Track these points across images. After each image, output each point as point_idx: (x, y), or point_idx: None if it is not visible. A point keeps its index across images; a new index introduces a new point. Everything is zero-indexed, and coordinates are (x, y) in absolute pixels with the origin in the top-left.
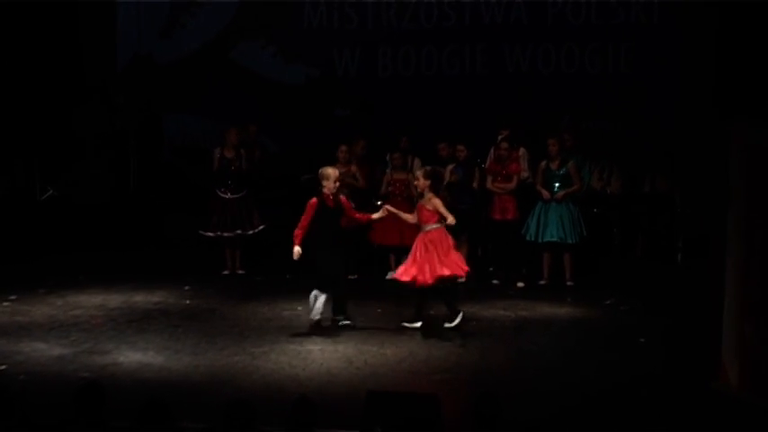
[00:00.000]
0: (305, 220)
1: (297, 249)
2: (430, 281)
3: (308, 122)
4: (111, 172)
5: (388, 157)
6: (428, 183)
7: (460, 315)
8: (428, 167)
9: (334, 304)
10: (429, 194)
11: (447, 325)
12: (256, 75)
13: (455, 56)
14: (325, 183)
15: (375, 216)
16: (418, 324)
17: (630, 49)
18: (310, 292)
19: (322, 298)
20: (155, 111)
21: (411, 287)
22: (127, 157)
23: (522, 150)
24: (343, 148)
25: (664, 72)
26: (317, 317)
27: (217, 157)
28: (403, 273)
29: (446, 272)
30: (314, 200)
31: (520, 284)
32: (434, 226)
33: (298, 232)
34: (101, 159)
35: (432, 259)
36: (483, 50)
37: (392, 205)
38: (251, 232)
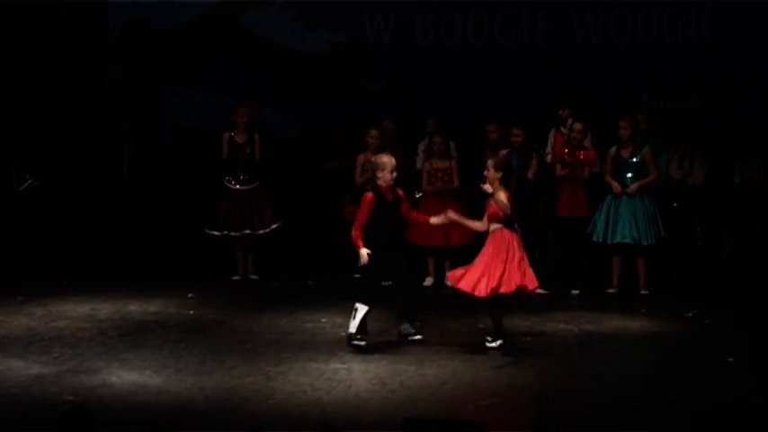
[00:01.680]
0: (362, 217)
1: (364, 252)
2: (510, 290)
3: (333, 99)
4: (101, 158)
5: (422, 146)
6: (499, 175)
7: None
8: (500, 156)
9: (402, 311)
10: (499, 189)
11: (488, 344)
12: (272, 43)
13: (510, 23)
14: (380, 174)
15: (435, 220)
16: (500, 341)
17: (716, 11)
18: (353, 305)
19: (362, 311)
20: (153, 86)
21: (482, 299)
22: (120, 141)
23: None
24: (374, 132)
25: (756, 39)
26: (352, 330)
27: (226, 142)
28: (468, 281)
29: (526, 282)
30: (370, 194)
31: (575, 292)
32: (499, 225)
33: (356, 233)
34: (90, 143)
35: (505, 265)
36: (546, 18)
37: (433, 199)
38: (261, 232)
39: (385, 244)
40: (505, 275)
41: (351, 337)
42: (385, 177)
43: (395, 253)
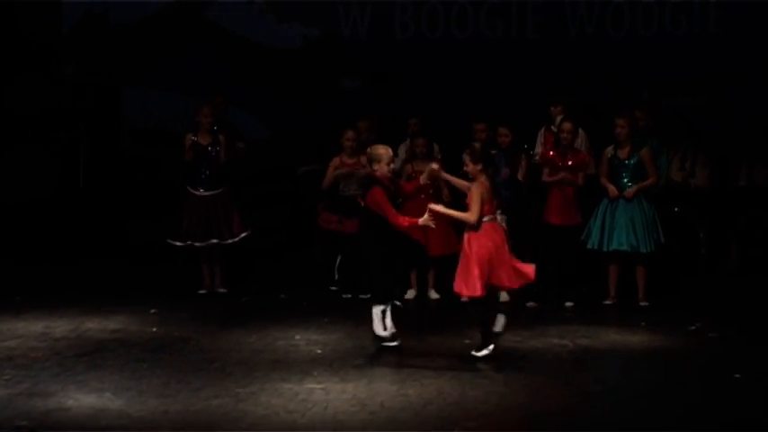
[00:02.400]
0: (391, 208)
1: (425, 218)
2: (515, 285)
3: (306, 98)
4: (55, 162)
5: (403, 147)
6: (479, 167)
7: (492, 347)
8: (476, 146)
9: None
10: (481, 179)
11: (475, 353)
12: (240, 37)
13: (497, 14)
14: (376, 166)
15: (424, 220)
16: (491, 348)
17: (722, 3)
18: (372, 309)
19: (377, 311)
20: (111, 85)
21: (476, 299)
22: (76, 143)
23: (580, 133)
24: (350, 134)
25: (765, 33)
26: (388, 335)
27: (189, 144)
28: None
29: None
30: (377, 188)
31: (569, 304)
32: (487, 219)
33: (403, 220)
34: (42, 146)
35: (502, 260)
36: (536, 8)
37: (416, 204)
38: (229, 241)
39: (386, 240)
40: (516, 267)
41: (381, 339)
42: (382, 169)
43: (396, 248)
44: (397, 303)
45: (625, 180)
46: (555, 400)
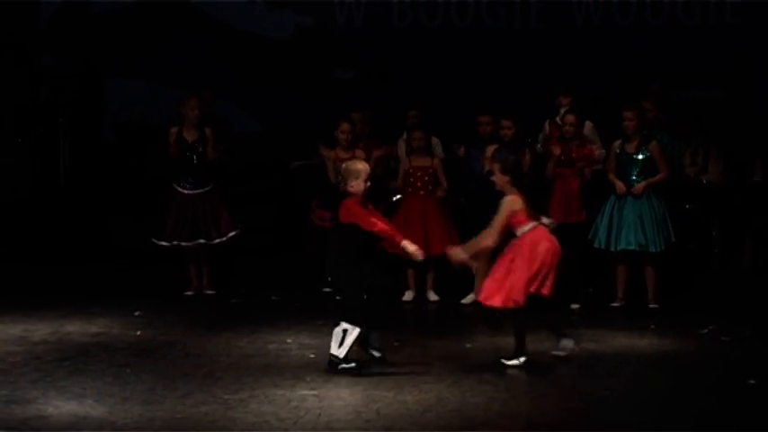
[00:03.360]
0: (368, 218)
1: (414, 249)
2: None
3: (298, 90)
4: (33, 159)
5: (401, 139)
6: (508, 179)
7: (523, 360)
8: (507, 157)
9: (369, 335)
10: (512, 191)
11: (505, 361)
12: (228, 26)
13: (500, 2)
14: (353, 183)
15: (410, 249)
16: (523, 359)
17: None
18: (334, 325)
19: (354, 333)
20: (92, 76)
21: (507, 311)
22: (56, 139)
23: (588, 125)
24: (346, 126)
25: None
26: (342, 355)
27: (174, 139)
28: (492, 294)
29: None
30: (351, 201)
31: (575, 306)
32: (527, 227)
33: (391, 232)
34: (20, 142)
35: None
36: None
37: (413, 201)
38: (217, 241)
39: (356, 259)
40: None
41: (337, 360)
42: (358, 186)
43: (369, 264)
44: (376, 354)
45: (633, 176)
46: (560, 407)
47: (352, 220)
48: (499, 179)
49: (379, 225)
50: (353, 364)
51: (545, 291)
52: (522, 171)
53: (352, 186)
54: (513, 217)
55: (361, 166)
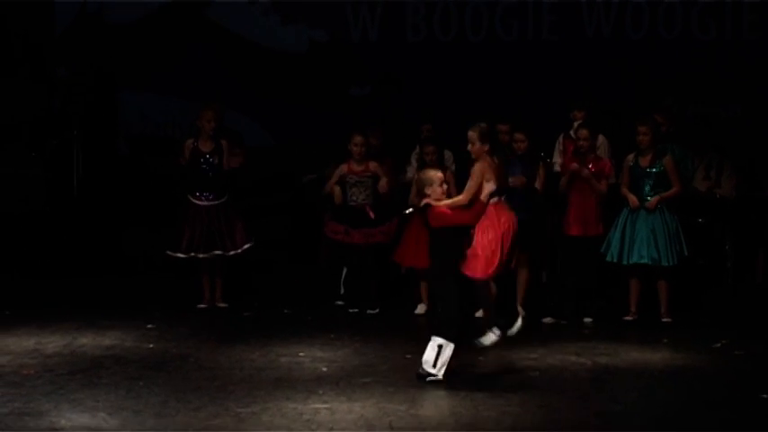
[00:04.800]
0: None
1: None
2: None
3: (312, 104)
4: (47, 171)
5: (414, 153)
6: (486, 148)
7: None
8: (482, 125)
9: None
10: (486, 159)
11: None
12: (243, 40)
13: (512, 15)
14: (429, 190)
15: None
16: (498, 333)
17: (757, 7)
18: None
19: (450, 349)
20: (106, 88)
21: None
22: (70, 151)
23: (600, 139)
24: (359, 139)
25: None
26: (440, 375)
27: (189, 151)
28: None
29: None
30: (436, 206)
31: (588, 320)
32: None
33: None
34: (34, 154)
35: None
36: (552, 9)
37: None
38: (232, 253)
39: (451, 270)
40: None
41: (428, 374)
42: (435, 192)
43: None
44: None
45: (647, 189)
46: (572, 421)
47: (442, 223)
48: (478, 148)
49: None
50: (441, 378)
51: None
52: (498, 141)
53: (432, 193)
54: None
55: (433, 173)
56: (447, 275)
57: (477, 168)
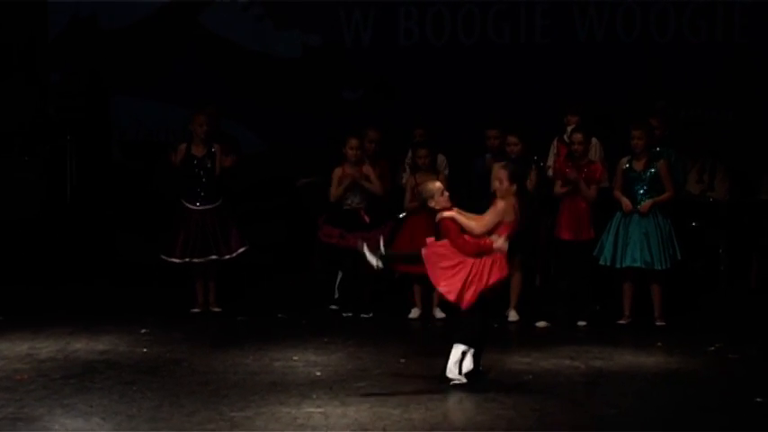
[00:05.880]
0: (463, 240)
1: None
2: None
3: (305, 108)
4: (41, 176)
5: (408, 158)
6: (514, 188)
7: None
8: (515, 166)
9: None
10: (512, 200)
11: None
12: (235, 45)
13: (504, 19)
14: (433, 202)
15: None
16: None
17: (748, 9)
18: (453, 347)
19: (470, 354)
20: (100, 93)
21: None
22: (63, 156)
23: (593, 142)
24: (354, 142)
25: None
26: (462, 380)
27: (182, 156)
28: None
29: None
30: (448, 218)
31: (581, 323)
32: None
33: (483, 244)
34: (26, 159)
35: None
36: (544, 12)
37: (420, 218)
38: (227, 257)
39: None
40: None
41: (451, 378)
42: (441, 202)
43: None
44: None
45: (640, 193)
46: (566, 425)
47: (448, 238)
48: (506, 187)
49: (472, 246)
50: (464, 380)
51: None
52: (525, 185)
53: (436, 204)
54: (501, 224)
55: (431, 185)
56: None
57: (500, 206)
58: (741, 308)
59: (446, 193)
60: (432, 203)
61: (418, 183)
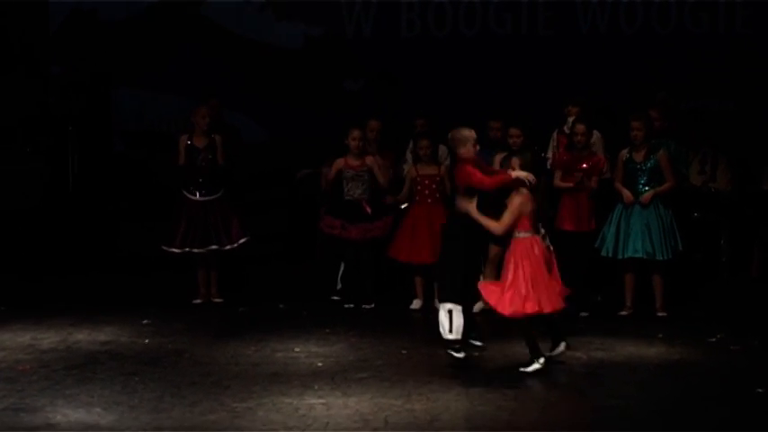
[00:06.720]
0: (481, 175)
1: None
2: (558, 306)
3: (307, 100)
4: (43, 167)
5: (409, 148)
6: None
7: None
8: (527, 155)
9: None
10: (524, 191)
11: (524, 369)
12: (237, 36)
13: (507, 10)
14: (462, 150)
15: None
16: (542, 360)
17: (750, 1)
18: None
19: (459, 311)
20: (101, 85)
21: (519, 320)
22: (65, 148)
23: (595, 135)
24: (356, 133)
25: None
26: (458, 338)
27: (184, 147)
28: (501, 300)
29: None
30: (465, 165)
31: (583, 314)
32: (527, 234)
33: (503, 177)
34: (29, 150)
35: (543, 277)
36: (546, 3)
37: (421, 209)
38: (228, 247)
39: (464, 230)
40: (531, 293)
41: (448, 343)
42: (468, 152)
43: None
44: (479, 343)
45: (641, 184)
46: (568, 416)
47: (466, 182)
48: (523, 175)
49: (491, 180)
50: (461, 354)
51: (547, 309)
52: (543, 170)
53: (462, 153)
54: (520, 218)
55: (467, 132)
56: (455, 237)
57: (516, 202)
58: (743, 299)
59: (477, 148)
60: (462, 150)
61: (419, 173)
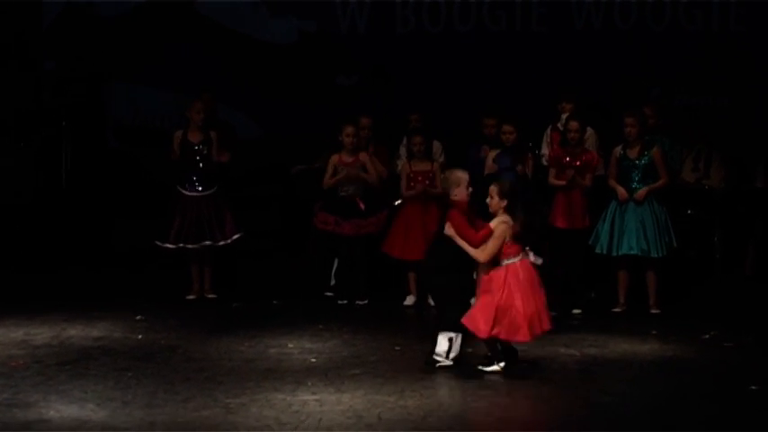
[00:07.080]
0: (472, 232)
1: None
2: (546, 327)
3: (300, 95)
4: (36, 163)
5: (402, 144)
6: (504, 203)
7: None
8: (506, 183)
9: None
10: (504, 217)
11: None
12: (231, 32)
13: (500, 6)
14: (456, 191)
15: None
16: (502, 364)
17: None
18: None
19: (460, 338)
20: (95, 80)
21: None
22: (59, 143)
23: (589, 131)
24: (350, 130)
25: None
26: (452, 362)
27: (178, 143)
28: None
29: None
30: (455, 211)
31: (576, 311)
32: (515, 259)
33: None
34: (22, 146)
35: (536, 301)
36: (541, 0)
37: (414, 205)
38: (222, 243)
39: (460, 266)
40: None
41: (438, 362)
42: (461, 194)
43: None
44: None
45: (635, 181)
46: (561, 412)
47: (457, 231)
48: (495, 203)
49: (476, 237)
50: (451, 363)
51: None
52: (518, 197)
53: (455, 195)
54: (504, 246)
55: (461, 174)
56: (449, 271)
57: (498, 231)
58: (736, 296)
59: (470, 190)
60: (455, 191)
61: (413, 170)
